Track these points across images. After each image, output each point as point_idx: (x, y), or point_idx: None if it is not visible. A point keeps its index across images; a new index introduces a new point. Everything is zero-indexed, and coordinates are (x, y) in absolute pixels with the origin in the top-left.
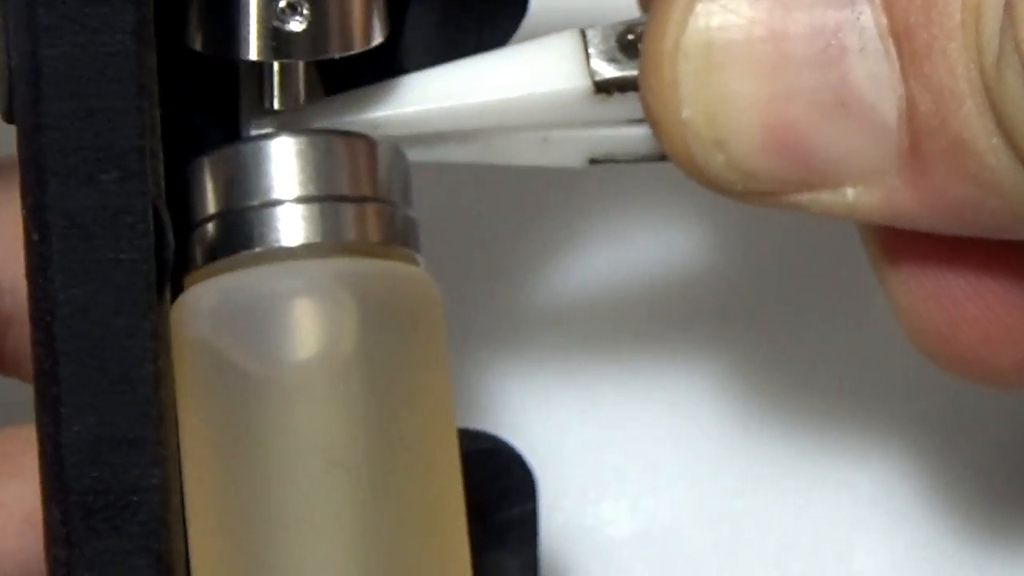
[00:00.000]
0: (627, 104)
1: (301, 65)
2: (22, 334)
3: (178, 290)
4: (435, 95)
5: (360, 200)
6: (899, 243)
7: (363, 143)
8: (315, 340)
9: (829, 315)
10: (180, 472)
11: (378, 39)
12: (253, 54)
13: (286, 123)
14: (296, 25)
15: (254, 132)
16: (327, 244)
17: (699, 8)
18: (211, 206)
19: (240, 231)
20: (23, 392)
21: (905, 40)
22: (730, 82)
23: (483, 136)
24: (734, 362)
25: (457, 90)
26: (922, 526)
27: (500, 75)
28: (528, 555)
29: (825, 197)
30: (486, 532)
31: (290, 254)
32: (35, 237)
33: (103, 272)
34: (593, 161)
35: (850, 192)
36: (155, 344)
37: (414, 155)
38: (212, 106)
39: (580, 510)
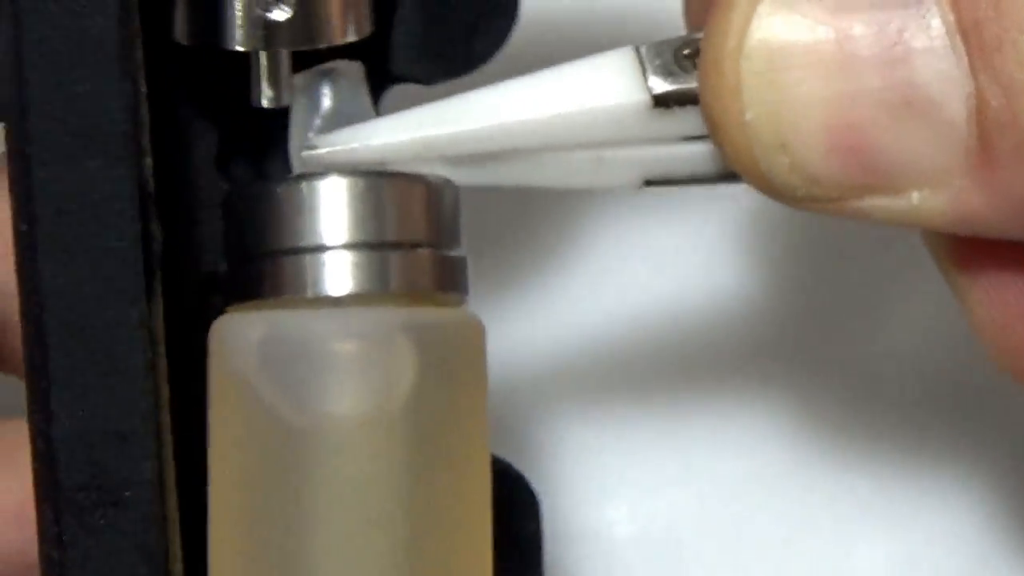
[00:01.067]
0: (686, 119)
1: (288, 57)
2: (17, 335)
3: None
4: (489, 113)
5: (412, 246)
6: (976, 251)
7: (417, 186)
8: (369, 393)
9: (829, 318)
10: (175, 468)
11: (364, 32)
12: (238, 44)
13: (335, 143)
14: (280, 14)
15: (304, 153)
16: (379, 293)
17: (761, 9)
18: (259, 243)
19: (288, 273)
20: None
21: (974, 35)
22: (794, 83)
23: (537, 156)
24: (734, 363)
25: (511, 108)
26: (922, 526)
27: (555, 92)
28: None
29: (889, 202)
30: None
31: (339, 302)
32: (23, 227)
33: (91, 260)
34: (649, 183)
35: (915, 196)
36: (145, 334)
37: (465, 178)
38: (202, 102)
39: (580, 511)
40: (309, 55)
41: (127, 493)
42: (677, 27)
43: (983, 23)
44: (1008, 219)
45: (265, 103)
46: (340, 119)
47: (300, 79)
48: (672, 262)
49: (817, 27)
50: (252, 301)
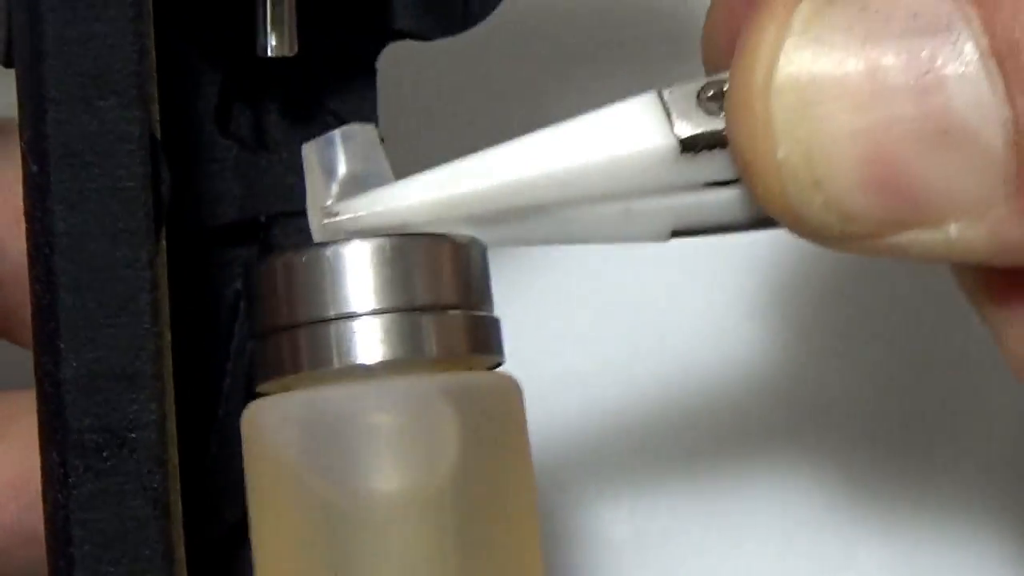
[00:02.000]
0: (714, 163)
1: (291, 3)
2: (13, 292)
3: (250, 396)
4: (513, 167)
5: (443, 308)
6: (1011, 283)
7: (444, 245)
8: (412, 465)
9: (830, 318)
10: (175, 412)
11: None
12: None
13: (357, 209)
14: None
15: (326, 220)
16: (412, 360)
17: (789, 43)
18: (283, 315)
19: (318, 344)
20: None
21: (1010, 57)
22: (826, 117)
23: (564, 211)
24: (734, 362)
25: (536, 160)
26: (922, 526)
27: (579, 142)
28: None
29: (926, 236)
30: None
31: (370, 371)
32: (34, 168)
33: (101, 200)
34: (676, 233)
35: (953, 228)
36: (153, 275)
37: (492, 237)
38: (206, 52)
39: (580, 511)
40: (313, 5)
41: (133, 434)
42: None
43: (1018, 46)
44: None
45: (270, 52)
46: (358, 183)
47: (312, 146)
48: (667, 270)
49: (847, 59)
50: (283, 378)
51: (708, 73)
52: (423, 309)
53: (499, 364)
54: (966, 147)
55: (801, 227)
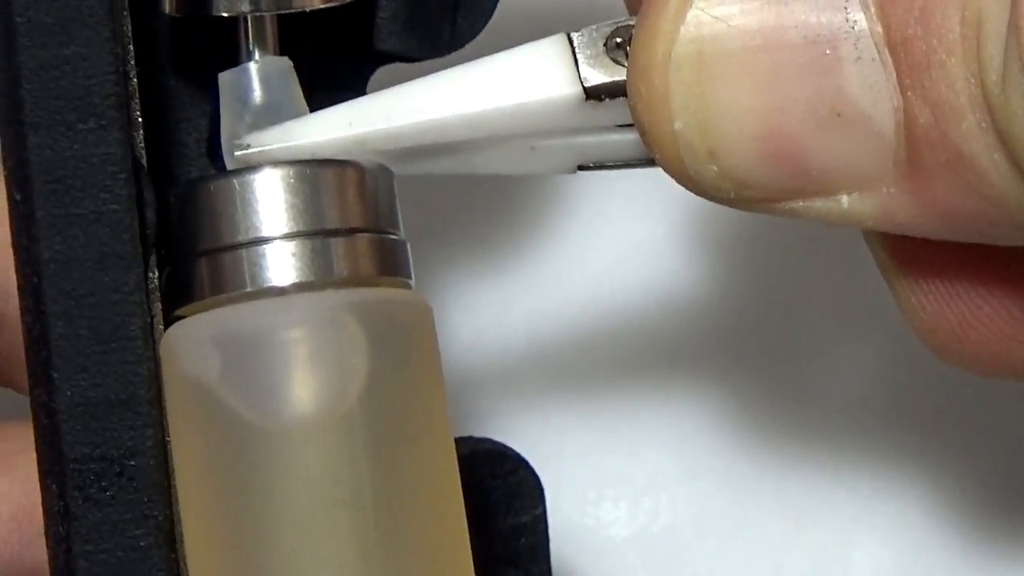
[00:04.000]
0: (617, 109)
1: (273, 21)
2: (15, 335)
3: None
4: (421, 108)
5: (351, 232)
6: (907, 246)
7: (351, 171)
8: (325, 378)
9: (830, 320)
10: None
11: None
12: (224, 9)
13: (267, 141)
14: None
15: (237, 153)
16: (321, 280)
17: (689, 17)
18: (198, 242)
19: (231, 269)
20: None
21: (903, 51)
22: (723, 93)
23: (471, 147)
24: (734, 362)
25: (444, 102)
26: (921, 527)
27: (487, 85)
28: (541, 565)
29: (819, 204)
30: (496, 540)
31: (283, 292)
32: (17, 197)
33: (86, 225)
34: (582, 167)
35: (845, 199)
36: (142, 299)
37: (400, 169)
38: (190, 74)
39: (579, 511)
40: (294, 22)
41: (131, 462)
42: None
43: (912, 40)
44: (934, 223)
45: None
46: (271, 115)
47: (226, 76)
48: (660, 260)
49: (746, 36)
50: (197, 302)
51: (628, 7)
52: (332, 232)
53: (408, 287)
54: (858, 128)
55: (697, 190)
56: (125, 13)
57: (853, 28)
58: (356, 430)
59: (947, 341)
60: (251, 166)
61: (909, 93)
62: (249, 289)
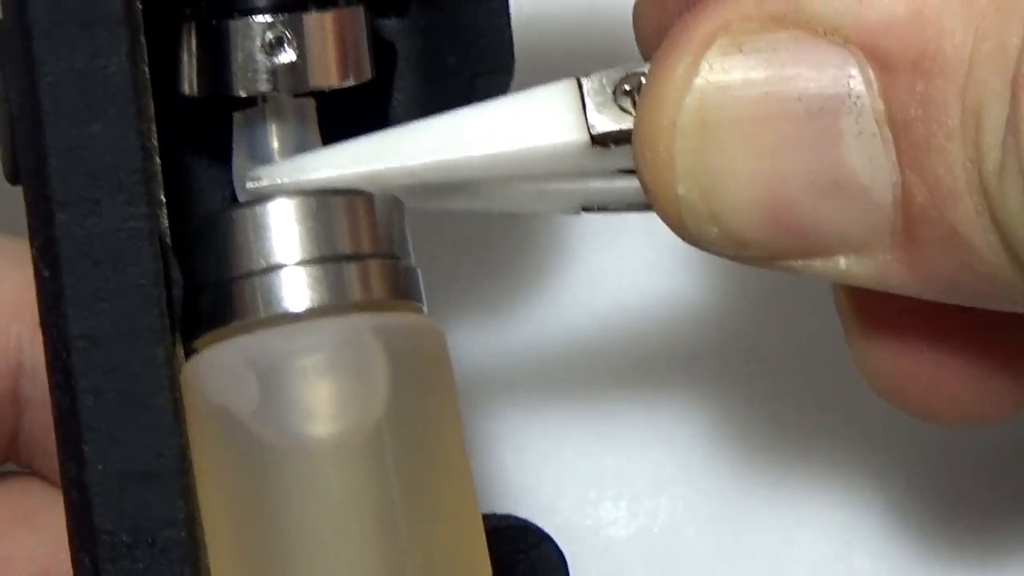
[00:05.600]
0: (624, 155)
1: (291, 103)
2: (39, 421)
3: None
4: (430, 148)
5: (363, 257)
6: (870, 314)
7: (360, 199)
8: (346, 402)
9: (832, 321)
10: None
11: (363, 77)
12: (243, 89)
13: (280, 175)
14: (284, 58)
15: (249, 185)
16: (338, 305)
17: (695, 84)
18: (213, 271)
19: (249, 296)
20: None
21: (903, 131)
22: (725, 160)
23: (480, 187)
24: (734, 363)
25: (453, 143)
26: (921, 528)
27: (496, 128)
28: None
29: (818, 264)
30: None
31: (300, 317)
32: (45, 274)
33: (114, 299)
34: (586, 209)
35: (842, 262)
36: (170, 372)
37: (411, 203)
38: (209, 153)
39: (579, 511)
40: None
41: (163, 533)
42: None
43: (913, 122)
44: (929, 290)
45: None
46: (286, 153)
47: (241, 116)
48: (661, 264)
49: (749, 106)
50: (215, 331)
51: (641, 52)
52: (345, 258)
53: (421, 312)
54: (857, 199)
55: (698, 246)
56: (148, 88)
57: (856, 103)
58: (385, 449)
59: (889, 393)
60: (265, 197)
61: (908, 171)
62: (264, 316)
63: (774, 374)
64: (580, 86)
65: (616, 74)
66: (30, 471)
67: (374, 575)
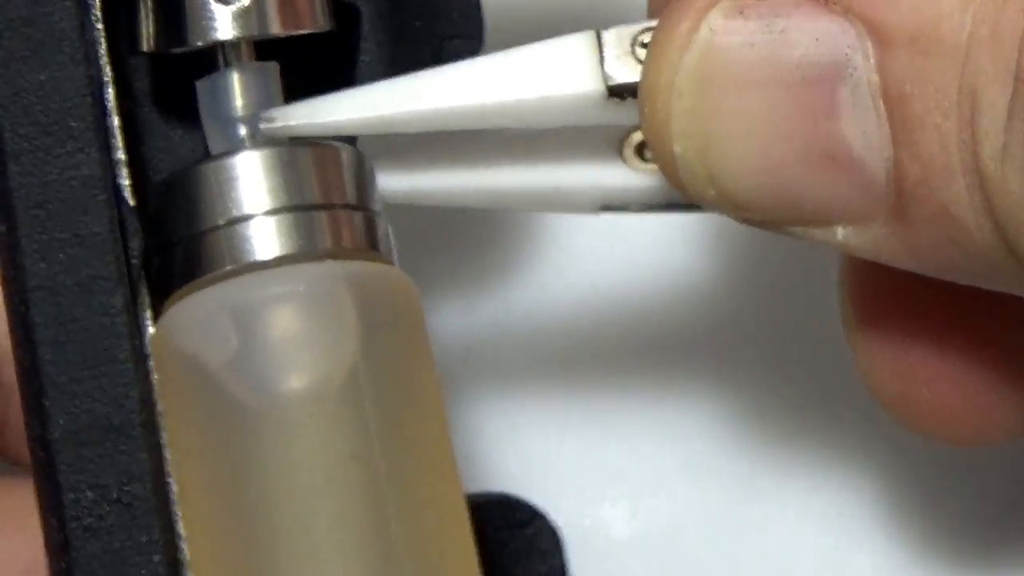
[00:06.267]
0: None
1: (248, 49)
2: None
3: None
4: (446, 94)
5: (332, 207)
6: (872, 311)
7: (328, 151)
8: (317, 348)
9: (834, 319)
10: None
11: (322, 26)
12: (200, 39)
13: (294, 117)
14: (238, 3)
15: (263, 126)
16: (306, 253)
17: (694, 45)
18: (184, 226)
19: (217, 249)
20: None
21: (898, 106)
22: (721, 124)
23: (498, 181)
24: (734, 363)
25: (468, 90)
26: (922, 527)
27: (513, 76)
28: None
29: (817, 232)
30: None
31: (267, 266)
32: (2, 228)
33: (69, 249)
34: (605, 208)
35: (840, 232)
36: (130, 320)
37: (430, 201)
38: (180, 120)
39: (579, 511)
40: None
41: (127, 488)
42: None
43: (908, 98)
44: (920, 264)
45: None
46: (250, 118)
47: (205, 83)
48: (662, 261)
49: (747, 70)
50: (186, 286)
51: (651, 12)
52: (315, 207)
53: (392, 263)
54: (851, 171)
55: (702, 206)
56: (100, 38)
57: (852, 75)
58: (362, 394)
59: (889, 399)
60: (231, 151)
61: (901, 147)
62: (235, 266)
63: (775, 374)
64: (599, 37)
65: (636, 28)
66: (19, 467)
67: (357, 523)
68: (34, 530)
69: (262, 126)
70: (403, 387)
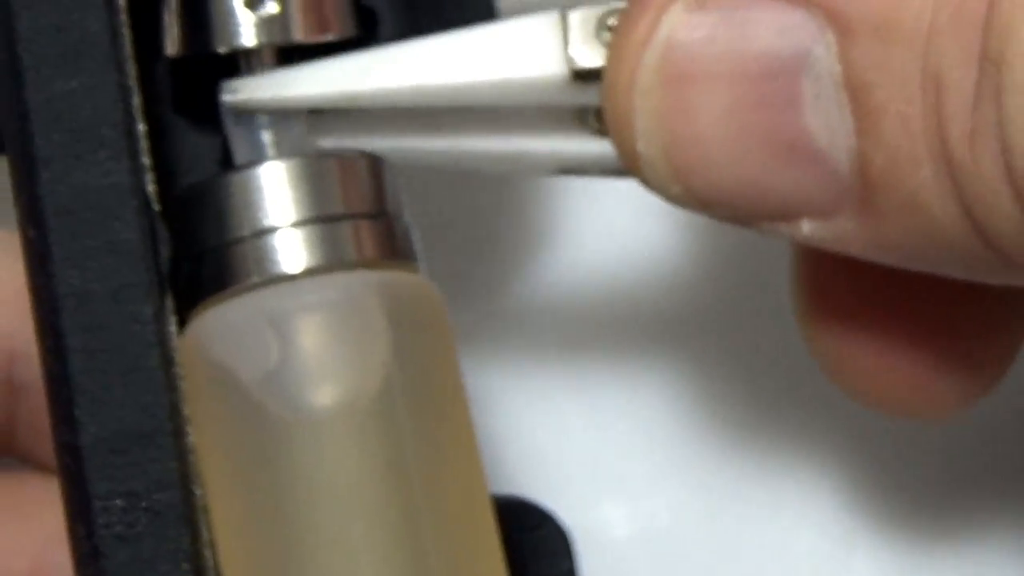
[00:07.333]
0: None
1: (271, 56)
2: (36, 405)
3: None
4: (410, 71)
5: (357, 217)
6: (822, 304)
7: (351, 161)
8: (347, 359)
9: None
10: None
11: (346, 32)
12: (225, 44)
13: (258, 90)
14: (267, 10)
15: (226, 97)
16: (334, 264)
17: (655, 42)
18: (208, 237)
19: (243, 261)
20: None
21: (861, 96)
22: (683, 120)
23: (461, 145)
24: (734, 363)
25: (434, 68)
26: (922, 527)
27: (478, 55)
28: None
29: (783, 227)
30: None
31: (295, 279)
32: (31, 234)
33: (100, 256)
34: (564, 172)
35: (805, 226)
36: (159, 328)
37: (398, 159)
38: (200, 125)
39: (579, 511)
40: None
41: (157, 496)
42: None
43: (871, 87)
44: (888, 256)
45: None
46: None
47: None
48: (663, 260)
49: (708, 64)
50: (212, 297)
51: None
52: (339, 218)
53: (417, 270)
54: (815, 164)
55: (667, 201)
56: (127, 45)
57: (814, 66)
58: (395, 405)
59: (837, 378)
60: (257, 161)
61: (865, 137)
62: (261, 279)
63: (777, 374)
64: (564, 18)
65: (602, 9)
66: (28, 464)
67: (392, 533)
68: (40, 526)
69: (225, 97)
70: (434, 395)
